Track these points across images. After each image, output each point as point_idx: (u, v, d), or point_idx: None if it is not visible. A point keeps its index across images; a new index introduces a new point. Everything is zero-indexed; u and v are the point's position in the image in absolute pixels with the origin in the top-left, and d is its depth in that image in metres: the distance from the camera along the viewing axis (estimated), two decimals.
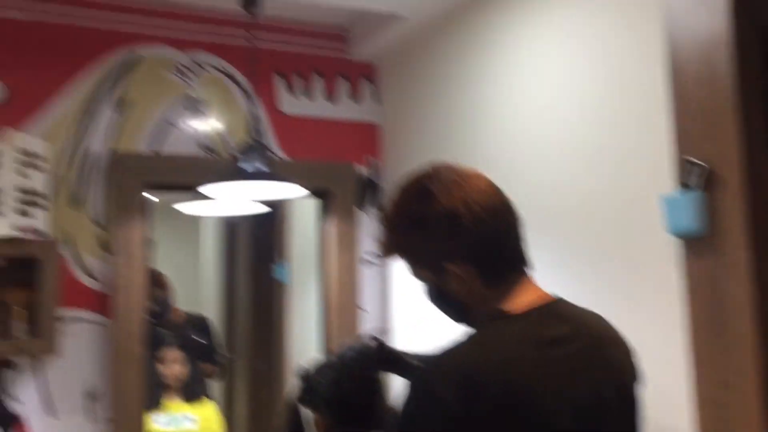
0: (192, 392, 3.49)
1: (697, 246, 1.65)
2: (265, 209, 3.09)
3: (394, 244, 1.33)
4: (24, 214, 2.34)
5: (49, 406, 2.46)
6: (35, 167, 2.41)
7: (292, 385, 1.73)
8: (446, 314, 1.35)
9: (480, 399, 1.10)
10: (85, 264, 2.55)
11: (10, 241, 2.32)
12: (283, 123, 2.90)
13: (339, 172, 2.93)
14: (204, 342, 3.90)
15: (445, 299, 1.31)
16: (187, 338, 3.63)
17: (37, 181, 2.41)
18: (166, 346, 3.49)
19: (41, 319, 2.36)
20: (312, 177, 2.82)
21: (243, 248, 4.74)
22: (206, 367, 3.87)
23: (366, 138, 3.03)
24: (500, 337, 1.20)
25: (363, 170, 3.01)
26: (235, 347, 4.61)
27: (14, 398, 2.43)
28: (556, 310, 1.27)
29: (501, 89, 2.35)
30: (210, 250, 5.40)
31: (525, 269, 1.31)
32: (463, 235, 1.24)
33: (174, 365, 3.46)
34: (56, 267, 2.41)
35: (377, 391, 1.57)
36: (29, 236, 2.36)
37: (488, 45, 2.41)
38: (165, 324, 3.76)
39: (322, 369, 1.66)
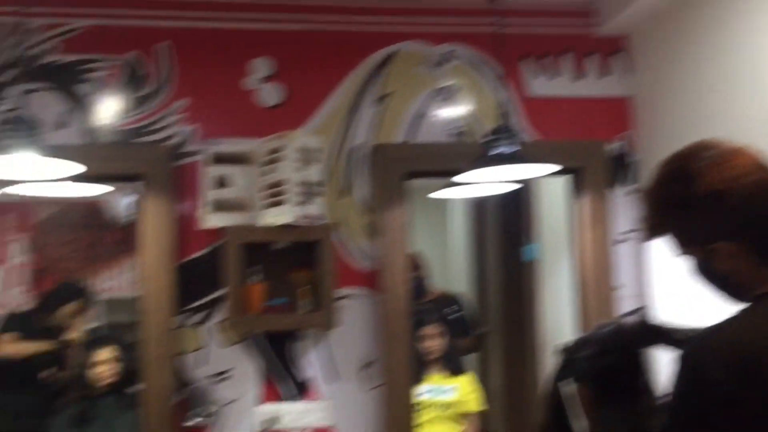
0: (450, 365, 3.66)
1: None
2: (512, 188, 3.16)
3: (657, 224, 1.33)
4: (303, 203, 2.66)
5: (330, 373, 2.78)
6: (312, 161, 2.72)
7: (550, 364, 1.78)
8: (715, 291, 1.33)
9: (754, 381, 1.09)
10: (354, 246, 2.83)
11: (293, 227, 2.64)
12: (532, 105, 2.95)
13: (590, 150, 2.92)
14: (461, 316, 4.09)
15: (714, 276, 1.29)
16: (444, 315, 3.82)
17: (314, 172, 2.72)
18: (425, 323, 3.71)
19: (321, 296, 2.67)
20: (563, 156, 2.83)
21: (491, 229, 4.85)
22: (463, 342, 4.05)
23: (617, 114, 2.98)
24: None
25: (614, 147, 2.96)
26: (487, 324, 4.76)
27: (303, 366, 2.78)
28: None
29: (763, 57, 2.19)
30: (458, 231, 5.60)
31: None
32: (730, 215, 1.22)
33: (433, 340, 3.66)
34: (332, 249, 2.69)
35: (640, 365, 1.57)
36: (308, 222, 2.67)
37: (745, 12, 2.26)
38: (423, 302, 4.00)
39: (580, 345, 1.70)
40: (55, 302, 3.72)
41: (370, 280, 2.82)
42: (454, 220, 5.68)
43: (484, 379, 4.72)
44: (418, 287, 4.05)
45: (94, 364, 3.09)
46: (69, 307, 3.68)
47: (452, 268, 5.64)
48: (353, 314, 2.81)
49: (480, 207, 5.10)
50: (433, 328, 3.70)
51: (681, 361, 1.21)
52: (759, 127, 2.22)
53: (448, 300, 4.20)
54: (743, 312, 1.21)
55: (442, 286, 4.54)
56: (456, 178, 2.64)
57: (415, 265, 4.11)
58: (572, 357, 1.71)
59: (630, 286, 2.90)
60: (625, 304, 2.87)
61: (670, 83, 2.72)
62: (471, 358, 4.64)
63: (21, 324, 3.61)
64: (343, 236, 2.83)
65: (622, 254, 2.90)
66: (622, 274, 2.89)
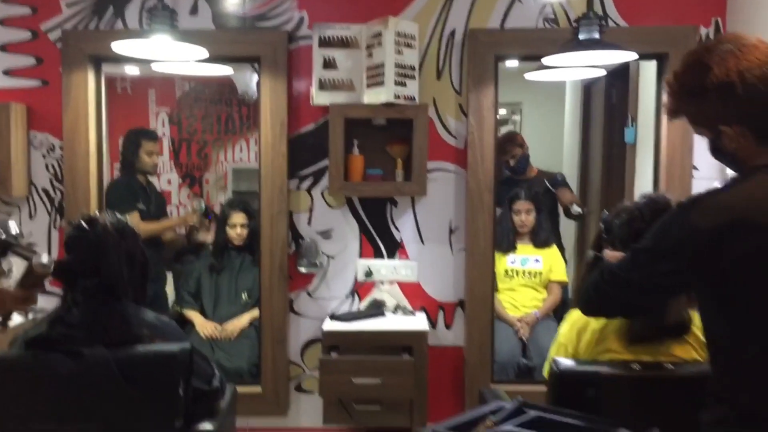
0: (540, 238, 3.95)
1: None
2: (602, 73, 3.30)
3: (675, 108, 1.54)
4: (401, 84, 2.95)
5: (420, 235, 3.16)
6: (409, 46, 2.99)
7: (597, 228, 2.05)
8: (726, 165, 1.55)
9: (733, 235, 1.33)
10: (447, 124, 3.13)
11: (391, 105, 2.96)
12: None
13: (679, 35, 2.99)
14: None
15: (722, 153, 1.51)
16: (537, 191, 4.06)
17: (411, 57, 2.99)
18: (520, 197, 3.97)
19: (414, 168, 3.01)
20: (651, 41, 2.96)
21: (598, 112, 4.94)
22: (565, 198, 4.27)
23: None
24: (763, 187, 1.38)
25: (704, 32, 3.02)
26: (588, 203, 4.95)
27: (397, 228, 3.18)
28: None
29: None
30: (571, 115, 5.71)
31: None
32: (737, 102, 1.41)
33: (525, 214, 3.94)
34: (425, 126, 3.00)
35: None
36: (404, 102, 2.98)
37: None
38: (521, 179, 4.24)
39: (618, 212, 1.96)
40: (134, 146, 3.88)
41: (460, 156, 3.13)
42: (570, 105, 5.78)
43: (580, 255, 4.98)
44: (520, 164, 4.28)
45: (230, 226, 3.63)
46: (146, 147, 3.86)
47: (565, 150, 5.81)
48: (443, 186, 3.15)
49: (589, 91, 5.17)
50: (526, 203, 3.96)
51: (675, 208, 1.46)
52: None
53: (548, 178, 4.40)
54: (737, 180, 1.44)
55: (553, 167, 4.74)
56: (544, 60, 2.83)
57: (519, 143, 4.33)
58: (609, 225, 1.98)
59: (706, 167, 3.04)
60: (701, 185, 3.02)
61: None
62: (569, 235, 4.89)
63: (129, 189, 3.78)
64: (438, 115, 3.13)
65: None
66: (700, 156, 3.02)
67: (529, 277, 3.89)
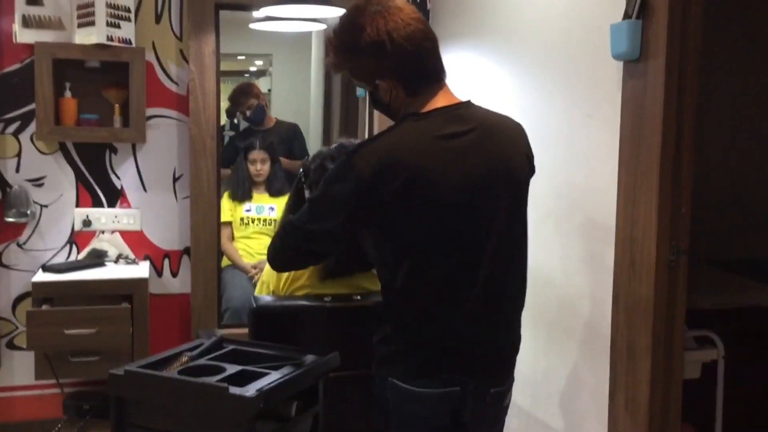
0: (275, 187, 4.05)
1: (631, 68, 1.88)
2: (322, 27, 3.42)
3: (337, 65, 1.69)
4: (114, 26, 2.84)
5: (142, 183, 3.10)
6: None
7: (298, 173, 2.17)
8: (384, 115, 1.72)
9: (388, 174, 1.49)
10: (168, 70, 3.08)
11: (105, 47, 2.84)
12: None
13: None
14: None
15: (379, 105, 1.69)
16: (272, 141, 4.14)
17: None
18: (254, 147, 4.03)
19: (132, 114, 2.93)
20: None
21: None
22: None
23: None
24: (408, 131, 1.57)
25: None
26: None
27: (117, 175, 3.08)
28: (460, 110, 1.60)
29: None
30: (317, 68, 5.86)
31: (441, 82, 1.64)
32: (388, 59, 1.58)
33: (260, 164, 4.02)
34: (143, 71, 2.93)
35: None
36: (119, 44, 2.87)
37: None
38: (259, 130, 4.30)
39: (314, 157, 2.09)
40: None
41: (182, 103, 3.09)
42: (315, 57, 5.91)
43: None
44: (257, 115, 4.33)
45: None
46: None
47: (310, 102, 5.96)
48: (165, 133, 3.10)
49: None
50: (261, 153, 4.03)
51: (342, 156, 1.60)
52: None
53: (285, 128, 4.50)
54: (390, 129, 1.61)
55: (299, 119, 4.84)
56: (261, 10, 2.88)
57: (255, 94, 4.37)
58: (309, 167, 2.11)
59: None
60: None
61: None
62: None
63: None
64: (158, 60, 3.06)
65: None
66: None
67: (264, 225, 3.99)
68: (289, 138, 4.46)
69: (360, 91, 4.38)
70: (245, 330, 3.30)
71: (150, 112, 3.03)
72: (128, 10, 2.90)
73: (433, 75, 1.63)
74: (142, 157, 3.10)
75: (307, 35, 5.83)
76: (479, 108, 1.65)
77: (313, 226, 1.61)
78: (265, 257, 3.81)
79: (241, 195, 3.98)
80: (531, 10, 2.42)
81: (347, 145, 2.10)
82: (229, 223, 3.83)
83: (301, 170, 2.15)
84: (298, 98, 5.91)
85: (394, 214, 1.53)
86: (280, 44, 6.26)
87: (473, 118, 1.60)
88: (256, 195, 4.03)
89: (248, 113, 4.28)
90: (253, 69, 6.93)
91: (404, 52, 1.57)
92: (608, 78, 1.99)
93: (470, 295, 1.56)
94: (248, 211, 3.99)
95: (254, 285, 3.82)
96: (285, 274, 2.08)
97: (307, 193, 2.12)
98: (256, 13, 3.11)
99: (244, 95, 4.25)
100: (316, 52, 5.86)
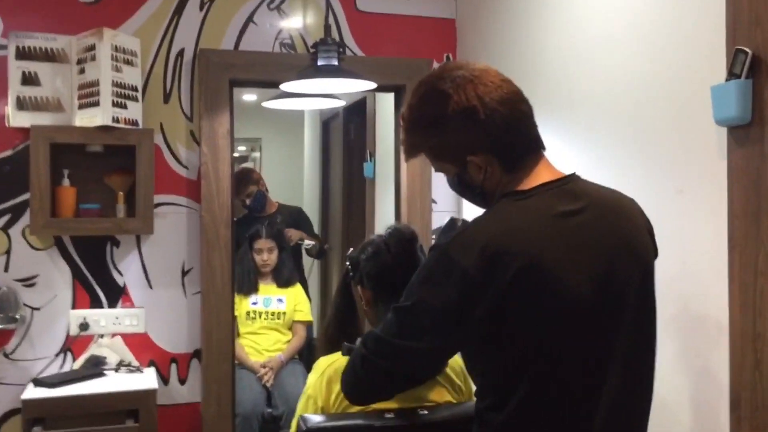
0: (283, 277, 3.75)
1: (741, 134, 1.64)
2: (340, 104, 3.21)
3: (415, 145, 1.40)
4: (120, 106, 2.57)
5: (147, 278, 2.77)
6: (129, 63, 2.63)
7: (345, 267, 1.87)
8: (471, 201, 1.44)
9: (498, 265, 1.20)
10: (177, 153, 2.79)
11: (110, 129, 2.56)
12: (360, 20, 2.97)
13: (415, 68, 2.99)
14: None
15: (468, 187, 1.39)
16: (278, 230, 3.87)
17: (132, 76, 2.63)
18: (260, 236, 3.75)
19: (139, 202, 2.63)
20: (388, 73, 2.91)
21: (336, 147, 4.92)
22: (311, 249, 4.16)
23: (442, 34, 3.06)
24: (515, 211, 1.28)
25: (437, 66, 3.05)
26: (329, 239, 4.87)
27: (120, 271, 2.75)
28: (569, 185, 1.33)
29: None
30: (310, 150, 5.64)
31: (540, 152, 1.37)
32: (480, 128, 1.31)
33: (266, 253, 3.73)
34: (151, 155, 2.64)
35: (416, 263, 1.68)
36: (125, 126, 2.60)
37: None
38: (261, 216, 4.02)
39: (363, 247, 1.79)
40: None
41: (193, 189, 2.80)
42: (308, 140, 5.71)
43: (323, 291, 4.88)
44: (258, 201, 4.07)
45: None
46: None
47: (305, 185, 5.72)
48: (174, 222, 2.79)
49: (327, 127, 5.15)
50: (266, 241, 3.76)
51: (433, 253, 1.31)
52: (561, 43, 2.36)
53: (288, 213, 4.24)
54: (490, 211, 1.32)
55: (295, 202, 4.59)
56: (282, 86, 2.65)
57: (255, 180, 4.12)
58: (357, 258, 1.81)
59: (445, 200, 3.04)
60: (440, 218, 3.02)
61: (487, 6, 2.82)
62: (312, 273, 4.77)
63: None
64: (166, 142, 2.78)
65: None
66: (439, 189, 3.02)
67: (273, 318, 3.69)
68: (295, 223, 4.22)
69: (368, 172, 4.16)
70: None
71: (157, 199, 2.72)
72: (135, 89, 2.63)
73: (533, 144, 1.37)
74: (147, 249, 2.77)
75: (299, 116, 5.65)
76: (588, 182, 1.39)
77: (409, 343, 1.29)
78: (275, 353, 3.59)
79: (247, 287, 3.69)
80: (599, 75, 2.19)
81: (403, 229, 1.81)
82: (234, 318, 3.49)
83: (348, 264, 1.85)
84: (290, 183, 5.68)
85: (513, 315, 1.22)
86: (270, 128, 6.08)
87: (585, 194, 1.33)
88: (262, 286, 3.74)
89: (248, 201, 4.03)
90: (235, 155, 6.73)
91: (500, 117, 1.31)
92: (705, 147, 1.75)
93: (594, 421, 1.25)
94: (255, 304, 3.69)
95: (264, 386, 3.48)
96: (337, 388, 1.74)
97: (358, 290, 1.82)
98: (247, 95, 2.86)
99: (243, 182, 4.00)
100: (310, 135, 5.67)
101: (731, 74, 1.62)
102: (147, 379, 2.59)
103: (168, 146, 2.78)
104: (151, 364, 2.76)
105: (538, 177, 1.33)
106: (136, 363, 2.71)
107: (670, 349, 1.87)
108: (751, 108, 1.59)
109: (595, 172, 1.56)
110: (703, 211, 1.77)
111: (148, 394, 2.49)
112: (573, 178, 1.36)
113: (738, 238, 1.65)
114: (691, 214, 1.81)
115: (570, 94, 2.33)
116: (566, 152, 2.30)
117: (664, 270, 1.90)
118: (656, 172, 1.93)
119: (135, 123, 2.63)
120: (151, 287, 2.77)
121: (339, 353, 1.71)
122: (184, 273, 2.81)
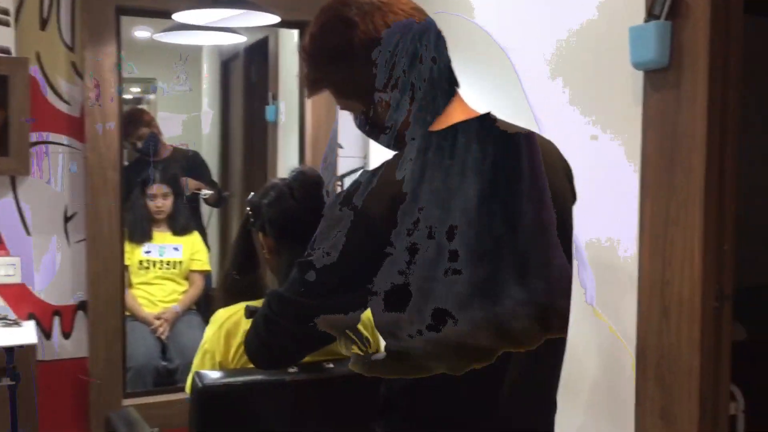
0: (179, 224, 3.56)
1: (658, 78, 1.59)
2: (242, 40, 3.02)
3: (318, 80, 1.26)
4: None
5: (24, 225, 2.53)
6: None
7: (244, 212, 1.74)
8: (379, 142, 1.32)
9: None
10: (57, 87, 2.53)
11: None
12: None
13: (322, 2, 2.81)
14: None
15: (375, 128, 1.27)
16: (174, 173, 3.66)
17: None
18: (154, 181, 3.53)
19: (13, 139, 2.37)
20: (292, 6, 2.73)
21: (237, 90, 4.71)
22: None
23: None
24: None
25: None
26: (230, 185, 4.69)
27: None
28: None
29: None
30: (209, 91, 5.38)
31: (454, 90, 1.27)
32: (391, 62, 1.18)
33: (161, 199, 3.52)
34: (26, 87, 2.38)
35: (319, 208, 1.57)
36: None
37: None
38: (155, 161, 3.78)
39: (266, 191, 1.66)
40: None
41: (75, 127, 2.56)
42: (208, 80, 5.45)
43: (223, 238, 4.70)
44: (150, 145, 3.82)
45: None
46: None
47: (201, 129, 5.47)
48: (53, 162, 2.55)
49: (227, 68, 4.91)
50: (161, 187, 3.55)
51: (340, 198, 1.19)
52: None
53: (184, 158, 4.01)
54: (398, 155, 1.21)
55: (193, 146, 4.34)
56: (176, 16, 2.44)
57: (147, 120, 3.87)
58: (258, 203, 1.68)
59: (351, 143, 2.92)
60: (346, 163, 2.90)
61: None
62: (211, 219, 4.57)
63: None
64: (44, 74, 2.51)
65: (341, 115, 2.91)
66: (346, 133, 2.89)
67: (168, 267, 3.50)
68: (190, 167, 3.99)
69: (270, 115, 3.98)
70: (153, 398, 2.86)
71: (34, 137, 2.46)
72: (6, 13, 2.35)
73: (448, 82, 1.26)
74: (23, 193, 2.52)
75: (197, 55, 5.37)
76: (504, 122, 1.29)
77: (316, 302, 1.18)
78: (170, 304, 3.41)
79: (140, 235, 3.47)
80: (513, 13, 2.11)
81: (308, 172, 1.69)
82: (126, 268, 3.29)
83: (249, 210, 1.72)
84: (187, 127, 5.42)
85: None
86: (166, 68, 5.74)
87: None
88: (157, 234, 3.53)
89: (139, 144, 3.77)
90: (129, 97, 6.37)
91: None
92: (621, 91, 1.70)
93: None
94: (148, 252, 3.48)
95: (158, 339, 3.31)
96: (237, 341, 1.63)
97: (260, 237, 1.69)
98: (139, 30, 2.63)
99: (134, 124, 3.73)
100: (209, 73, 5.39)
101: (651, 15, 1.57)
102: (25, 334, 2.38)
103: (46, 78, 2.51)
104: (30, 317, 2.54)
105: (451, 117, 1.23)
106: (13, 316, 2.49)
107: (580, 295, 1.85)
108: (669, 51, 1.55)
109: (509, 115, 1.48)
110: (616, 157, 1.73)
111: (26, 350, 2.29)
112: (488, 117, 1.26)
113: (650, 186, 1.62)
114: (604, 161, 1.77)
115: (484, 34, 2.24)
116: (479, 95, 2.22)
117: (576, 216, 1.86)
118: (571, 116, 1.88)
119: (6, 51, 2.36)
120: (28, 234, 2.53)
121: (238, 305, 1.61)
122: (67, 219, 2.58)
